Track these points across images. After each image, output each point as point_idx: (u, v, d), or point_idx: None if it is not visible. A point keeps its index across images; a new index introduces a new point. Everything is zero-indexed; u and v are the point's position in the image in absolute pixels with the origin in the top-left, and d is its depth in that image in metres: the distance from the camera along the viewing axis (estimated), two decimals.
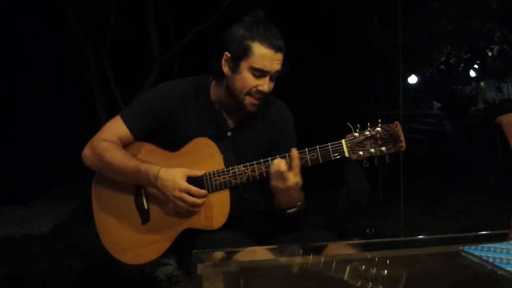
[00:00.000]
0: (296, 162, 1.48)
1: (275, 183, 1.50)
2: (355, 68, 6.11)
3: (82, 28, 4.40)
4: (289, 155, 1.49)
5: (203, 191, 1.54)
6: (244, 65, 1.55)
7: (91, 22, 4.46)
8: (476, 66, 5.80)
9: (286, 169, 1.48)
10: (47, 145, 5.16)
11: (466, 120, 6.15)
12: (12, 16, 4.56)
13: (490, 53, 5.33)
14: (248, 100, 1.58)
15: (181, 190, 1.51)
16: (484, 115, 6.06)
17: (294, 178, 1.49)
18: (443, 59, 5.62)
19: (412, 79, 6.56)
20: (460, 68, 5.76)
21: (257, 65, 1.53)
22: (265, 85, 1.56)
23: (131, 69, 4.88)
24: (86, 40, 4.41)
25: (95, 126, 1.84)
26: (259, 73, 1.55)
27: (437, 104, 7.55)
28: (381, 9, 4.86)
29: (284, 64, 1.59)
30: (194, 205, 1.53)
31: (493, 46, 5.22)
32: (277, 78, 1.61)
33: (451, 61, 5.71)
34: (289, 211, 1.58)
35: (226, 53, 1.57)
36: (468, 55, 5.55)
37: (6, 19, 4.51)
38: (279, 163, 1.49)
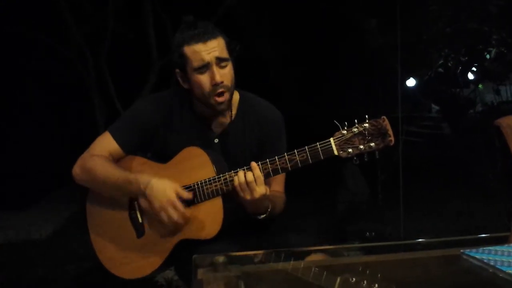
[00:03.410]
0: (257, 173, 1.48)
1: (242, 194, 1.49)
2: (353, 70, 6.11)
3: (81, 33, 4.40)
4: (248, 168, 1.49)
5: (183, 212, 1.50)
6: (189, 72, 1.58)
7: (89, 26, 4.46)
8: (474, 68, 5.82)
9: (252, 180, 1.47)
10: (45, 151, 5.15)
11: (465, 122, 6.16)
12: (10, 20, 4.55)
13: (488, 56, 5.35)
14: (214, 100, 1.58)
15: (168, 201, 1.49)
16: (482, 117, 6.08)
17: (259, 189, 1.48)
18: (441, 62, 5.63)
19: (411, 82, 6.57)
20: (458, 71, 5.77)
21: (196, 63, 1.55)
22: (215, 75, 1.55)
23: (130, 73, 4.87)
24: (85, 45, 4.41)
25: (94, 131, 1.84)
26: (202, 69, 1.55)
27: (435, 107, 7.56)
28: (380, 12, 4.87)
29: (229, 44, 1.59)
30: (173, 221, 1.50)
31: (491, 49, 5.24)
32: (236, 59, 1.61)
33: (449, 64, 5.72)
34: (260, 217, 1.58)
35: (176, 70, 1.61)
36: (466, 58, 5.57)
37: (4, 23, 4.50)
38: (241, 176, 1.48)
